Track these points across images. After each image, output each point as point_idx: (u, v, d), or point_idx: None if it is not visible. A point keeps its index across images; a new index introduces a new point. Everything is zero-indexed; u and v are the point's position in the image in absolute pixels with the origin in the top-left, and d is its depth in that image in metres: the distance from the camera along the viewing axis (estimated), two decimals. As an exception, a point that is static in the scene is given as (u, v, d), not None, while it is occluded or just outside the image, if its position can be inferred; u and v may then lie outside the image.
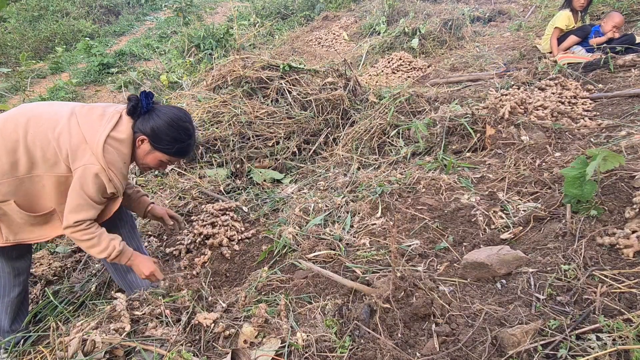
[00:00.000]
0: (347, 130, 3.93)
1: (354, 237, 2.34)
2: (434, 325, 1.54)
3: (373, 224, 2.40)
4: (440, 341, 1.49)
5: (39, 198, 1.84)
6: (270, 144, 3.83)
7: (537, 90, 3.69)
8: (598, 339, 1.32)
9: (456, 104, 3.61)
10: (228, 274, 2.49)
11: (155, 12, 15.63)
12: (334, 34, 8.83)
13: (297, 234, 2.47)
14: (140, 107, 1.86)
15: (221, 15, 13.50)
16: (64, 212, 1.84)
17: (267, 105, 4.07)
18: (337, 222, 2.54)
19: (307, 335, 1.57)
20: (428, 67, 6.05)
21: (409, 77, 5.82)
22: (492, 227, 2.15)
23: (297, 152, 3.87)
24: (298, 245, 2.38)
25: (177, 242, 2.74)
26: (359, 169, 3.34)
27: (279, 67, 4.27)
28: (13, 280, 2.03)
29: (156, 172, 3.61)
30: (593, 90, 3.71)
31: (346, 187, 2.95)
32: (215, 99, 4.12)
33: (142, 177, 3.68)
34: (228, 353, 1.49)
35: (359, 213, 2.55)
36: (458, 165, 2.85)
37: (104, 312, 1.75)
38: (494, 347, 1.41)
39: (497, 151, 2.89)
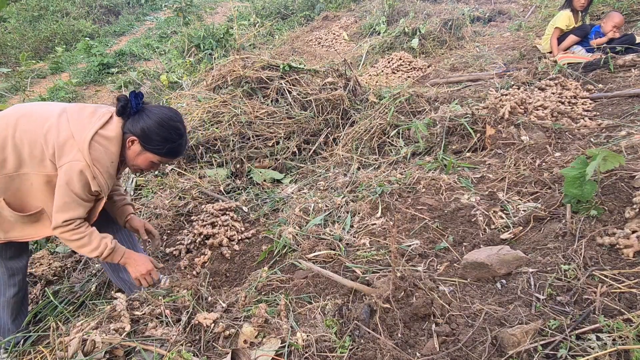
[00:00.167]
0: (347, 130, 3.93)
1: (354, 237, 2.34)
2: (434, 325, 1.54)
3: (373, 224, 2.40)
4: (440, 341, 1.49)
5: (28, 197, 1.83)
6: (270, 144, 3.83)
7: (537, 90, 3.69)
8: (598, 339, 1.32)
9: (456, 104, 3.61)
10: (228, 274, 2.49)
11: (155, 12, 15.64)
12: (334, 34, 8.83)
13: (297, 234, 2.47)
14: (130, 107, 1.84)
15: (221, 15, 13.50)
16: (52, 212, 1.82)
17: (267, 105, 4.07)
18: (337, 222, 2.54)
19: (307, 335, 1.57)
20: (428, 67, 6.05)
21: (409, 77, 5.81)
22: (492, 227, 2.15)
23: (297, 152, 3.87)
24: (298, 245, 2.38)
25: (177, 242, 2.74)
26: (359, 169, 3.34)
27: (279, 67, 4.27)
28: (8, 281, 2.03)
29: (156, 172, 3.61)
30: (593, 90, 3.71)
31: (346, 187, 2.95)
32: (215, 99, 4.12)
33: (142, 177, 3.67)
34: (228, 353, 1.49)
35: (359, 213, 2.55)
36: (458, 165, 2.85)
37: (104, 312, 1.75)
38: (494, 347, 1.41)
39: (497, 151, 2.89)
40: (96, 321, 1.69)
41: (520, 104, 3.22)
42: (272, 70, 4.28)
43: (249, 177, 3.63)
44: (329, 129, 4.04)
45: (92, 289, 2.48)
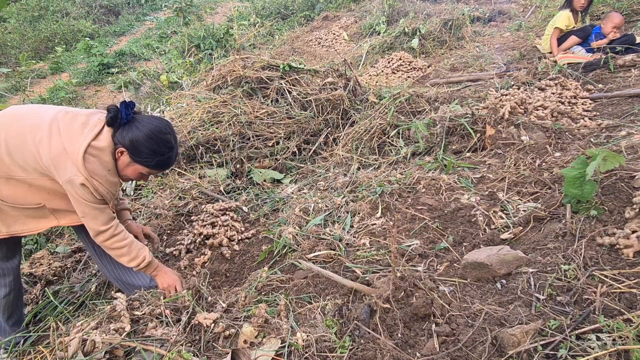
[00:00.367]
0: (347, 130, 3.93)
1: (354, 237, 2.34)
2: (434, 325, 1.54)
3: (373, 224, 2.40)
4: (440, 341, 1.49)
5: (26, 194, 1.85)
6: (270, 144, 3.83)
7: (537, 90, 3.69)
8: (598, 339, 1.32)
9: (456, 104, 3.61)
10: (228, 274, 2.49)
11: (155, 12, 15.65)
12: (334, 34, 8.83)
13: (297, 234, 2.47)
14: (120, 117, 1.82)
15: (221, 15, 13.51)
16: (55, 210, 1.88)
17: (267, 105, 4.07)
18: (337, 222, 2.54)
19: (307, 335, 1.57)
20: (428, 67, 6.05)
21: (409, 77, 5.81)
22: (492, 227, 2.15)
23: (297, 152, 3.87)
24: (298, 245, 2.38)
25: (177, 242, 2.74)
26: (359, 169, 3.34)
27: (279, 67, 4.27)
28: None
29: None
30: (593, 90, 3.71)
31: (346, 187, 2.95)
32: (215, 99, 4.12)
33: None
34: (228, 353, 1.49)
35: (359, 213, 2.55)
36: (458, 165, 2.85)
37: (104, 312, 1.75)
38: (494, 347, 1.41)
39: (497, 151, 2.89)
40: (96, 321, 1.69)
41: (520, 104, 3.22)
42: (272, 70, 4.28)
43: (249, 177, 3.63)
44: (329, 129, 4.04)
45: (92, 289, 2.48)
